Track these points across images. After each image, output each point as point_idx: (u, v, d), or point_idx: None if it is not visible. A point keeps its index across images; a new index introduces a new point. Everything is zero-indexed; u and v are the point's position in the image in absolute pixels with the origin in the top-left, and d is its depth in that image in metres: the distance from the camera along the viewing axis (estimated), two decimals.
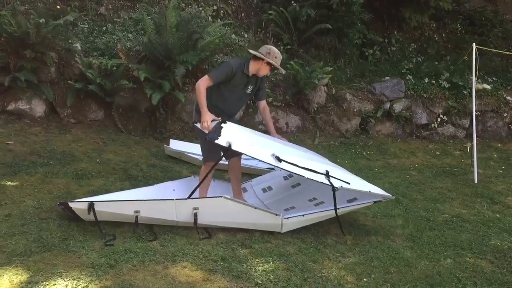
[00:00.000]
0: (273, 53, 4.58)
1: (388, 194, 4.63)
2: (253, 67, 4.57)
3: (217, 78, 4.44)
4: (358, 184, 4.57)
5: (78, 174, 5.23)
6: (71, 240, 3.78)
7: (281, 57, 4.69)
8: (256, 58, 4.57)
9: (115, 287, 3.19)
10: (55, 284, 3.15)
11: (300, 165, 4.27)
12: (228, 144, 4.07)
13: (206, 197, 4.46)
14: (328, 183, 4.23)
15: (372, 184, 4.71)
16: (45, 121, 6.68)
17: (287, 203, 4.93)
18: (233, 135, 4.26)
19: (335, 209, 4.35)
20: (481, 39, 10.34)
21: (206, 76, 4.43)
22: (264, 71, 4.61)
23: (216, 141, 4.08)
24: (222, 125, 4.26)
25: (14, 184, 4.74)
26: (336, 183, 4.24)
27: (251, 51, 4.68)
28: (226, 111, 4.62)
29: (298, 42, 8.89)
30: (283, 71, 4.83)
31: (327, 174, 4.30)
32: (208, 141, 4.21)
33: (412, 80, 8.92)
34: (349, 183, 4.35)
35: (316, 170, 4.31)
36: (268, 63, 4.56)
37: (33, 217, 4.09)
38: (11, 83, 6.39)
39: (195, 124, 4.61)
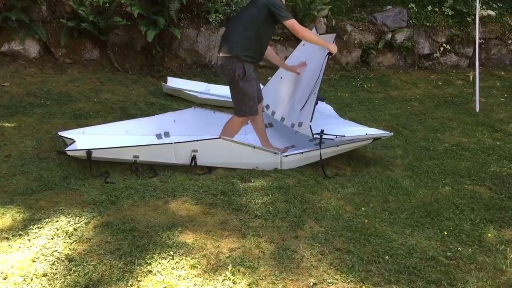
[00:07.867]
0: None
1: (386, 132, 4.62)
2: None
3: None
4: (354, 131, 4.55)
5: (76, 114, 5.21)
6: (72, 178, 3.81)
7: None
8: None
9: (117, 222, 3.24)
10: (58, 221, 3.20)
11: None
12: None
13: (204, 140, 4.32)
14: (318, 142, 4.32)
15: (371, 122, 4.71)
16: (40, 61, 6.58)
17: (287, 141, 4.94)
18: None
19: (320, 149, 4.34)
20: None
21: (292, 20, 4.15)
22: None
23: None
24: None
25: (12, 125, 4.74)
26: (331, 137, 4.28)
27: None
28: (259, 58, 4.48)
29: None
30: None
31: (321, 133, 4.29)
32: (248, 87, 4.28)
33: (414, 8, 8.67)
34: (344, 136, 4.32)
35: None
36: None
37: (32, 157, 4.11)
38: (2, 23, 6.27)
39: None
